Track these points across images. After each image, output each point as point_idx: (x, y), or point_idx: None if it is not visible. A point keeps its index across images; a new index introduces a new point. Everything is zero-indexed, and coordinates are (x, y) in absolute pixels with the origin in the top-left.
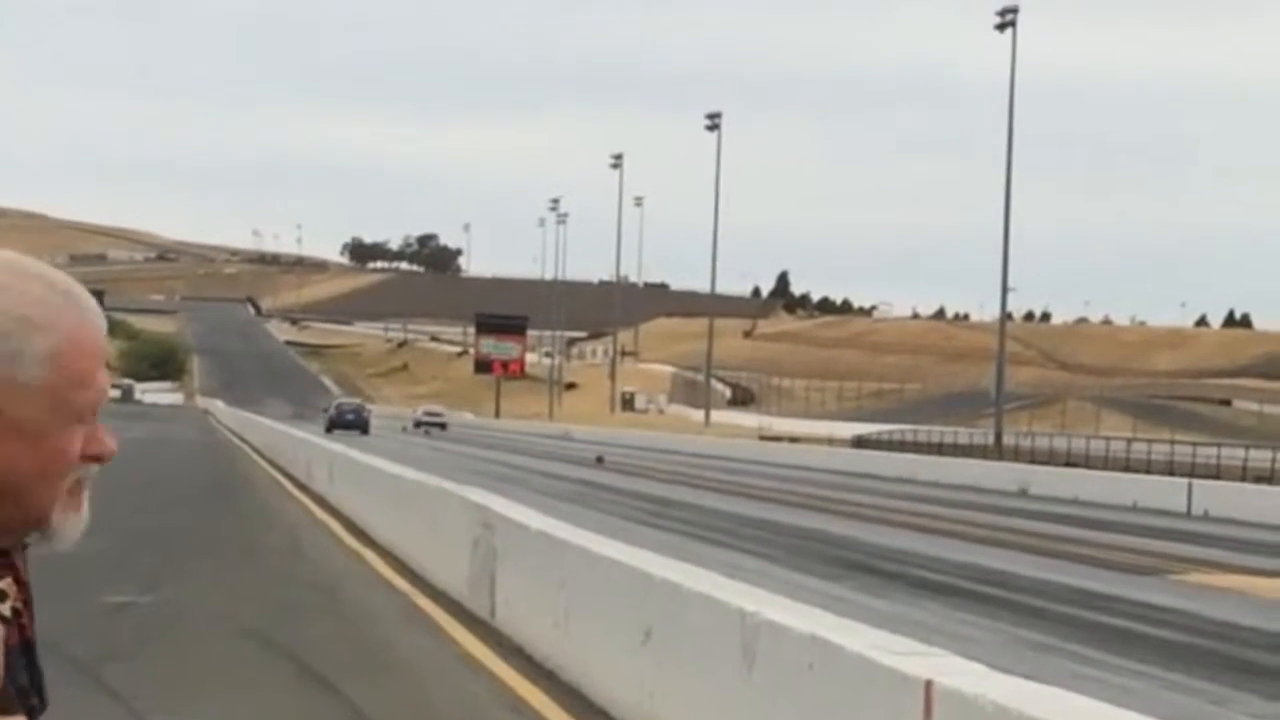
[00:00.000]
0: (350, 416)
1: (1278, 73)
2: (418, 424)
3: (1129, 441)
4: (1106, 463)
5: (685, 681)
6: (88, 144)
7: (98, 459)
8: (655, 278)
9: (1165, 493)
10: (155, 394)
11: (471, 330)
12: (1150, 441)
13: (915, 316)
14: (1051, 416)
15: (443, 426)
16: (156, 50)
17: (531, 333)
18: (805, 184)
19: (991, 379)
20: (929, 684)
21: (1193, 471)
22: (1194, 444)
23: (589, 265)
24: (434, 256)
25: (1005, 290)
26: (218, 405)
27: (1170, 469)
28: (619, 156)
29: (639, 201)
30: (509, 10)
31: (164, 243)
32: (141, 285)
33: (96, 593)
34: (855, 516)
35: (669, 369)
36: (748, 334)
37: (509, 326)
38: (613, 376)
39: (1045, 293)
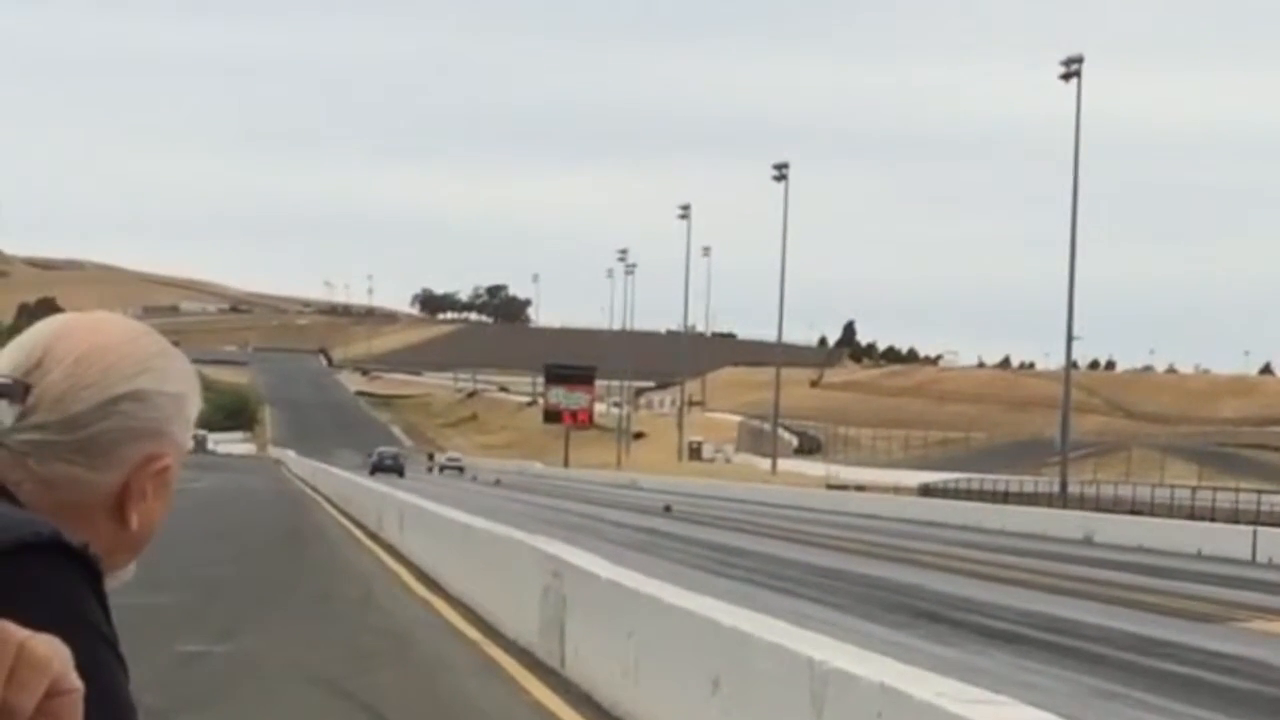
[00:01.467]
0: (389, 462)
1: None
2: (442, 468)
3: (1194, 489)
4: (1171, 510)
5: None
6: (160, 197)
7: None
8: (722, 327)
9: (1230, 540)
10: (228, 444)
11: (540, 380)
12: (1215, 489)
13: (981, 365)
14: (1116, 464)
15: (460, 470)
16: (229, 102)
17: (600, 383)
18: (871, 234)
19: (1056, 427)
20: None
21: (1257, 519)
22: (1259, 492)
23: (656, 315)
24: (503, 307)
25: (1070, 338)
26: (290, 455)
27: (1235, 517)
28: (686, 207)
29: (706, 252)
30: (578, 62)
31: (236, 294)
32: (214, 336)
33: (171, 642)
34: (921, 565)
35: (736, 418)
36: (814, 383)
37: (577, 376)
38: (680, 426)
39: (1110, 341)
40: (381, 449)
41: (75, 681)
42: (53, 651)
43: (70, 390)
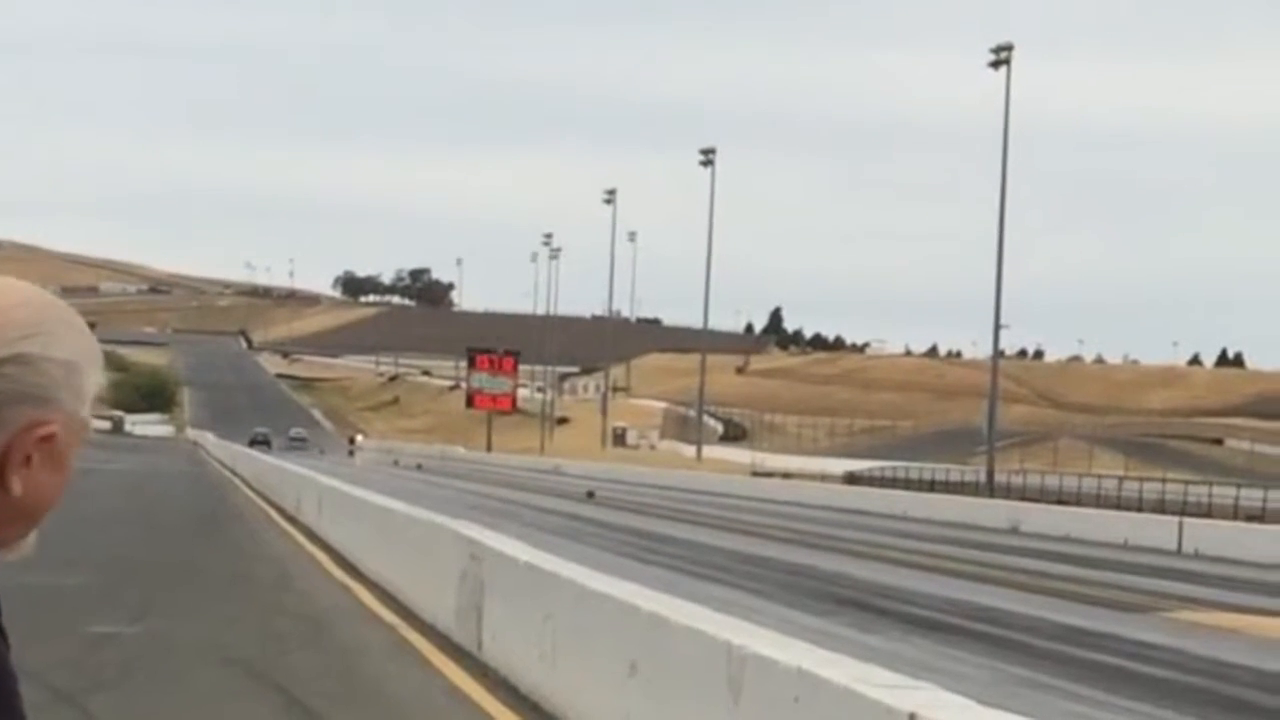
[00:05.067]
0: (260, 438)
1: (1269, 113)
2: (252, 442)
3: (1121, 480)
4: (1098, 501)
5: (671, 714)
6: (81, 177)
7: None
8: (648, 313)
9: (1156, 531)
10: (145, 426)
11: (463, 364)
12: (1142, 480)
13: (908, 354)
14: (1043, 454)
15: (304, 442)
16: (150, 85)
17: (523, 367)
18: (799, 221)
19: (984, 416)
20: (913, 717)
21: (1184, 510)
22: (1186, 482)
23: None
24: (426, 290)
25: (998, 327)
26: (208, 437)
27: (1161, 507)
28: (612, 192)
29: (632, 237)
30: (504, 45)
31: (156, 275)
32: (133, 317)
33: (83, 623)
34: (847, 553)
35: (661, 404)
36: (740, 370)
37: (500, 361)
38: (604, 412)
39: (1038, 331)
40: (257, 429)
41: None
42: None
43: None
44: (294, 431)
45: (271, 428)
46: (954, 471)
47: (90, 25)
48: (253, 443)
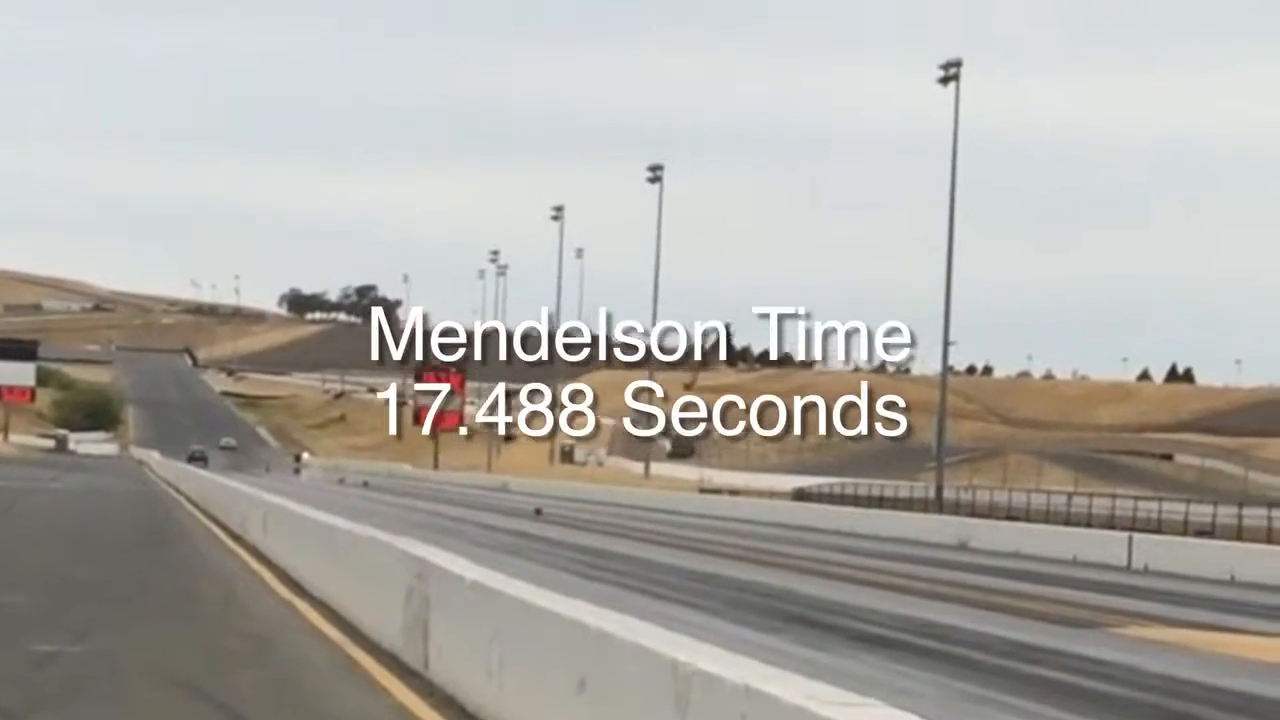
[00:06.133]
0: (197, 453)
1: (1215, 129)
2: (189, 459)
3: (1070, 496)
4: (1047, 517)
5: None
6: (23, 194)
7: None
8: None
9: (1105, 547)
10: (90, 444)
11: (411, 381)
12: (1091, 495)
13: (857, 370)
14: (993, 470)
15: (205, 462)
16: (94, 98)
17: (470, 384)
18: (747, 236)
19: (932, 432)
20: None
21: (1133, 526)
22: (1135, 498)
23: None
24: (372, 307)
25: (947, 343)
26: (153, 456)
27: (1111, 523)
28: (560, 208)
29: (580, 253)
30: (450, 60)
31: (100, 293)
32: (77, 335)
33: (25, 642)
34: (795, 569)
35: (609, 421)
36: (688, 386)
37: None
38: (552, 429)
39: (987, 346)
40: (193, 446)
41: None
42: None
43: None
44: (224, 441)
45: (210, 444)
46: (903, 488)
47: (29, 39)
48: (190, 459)
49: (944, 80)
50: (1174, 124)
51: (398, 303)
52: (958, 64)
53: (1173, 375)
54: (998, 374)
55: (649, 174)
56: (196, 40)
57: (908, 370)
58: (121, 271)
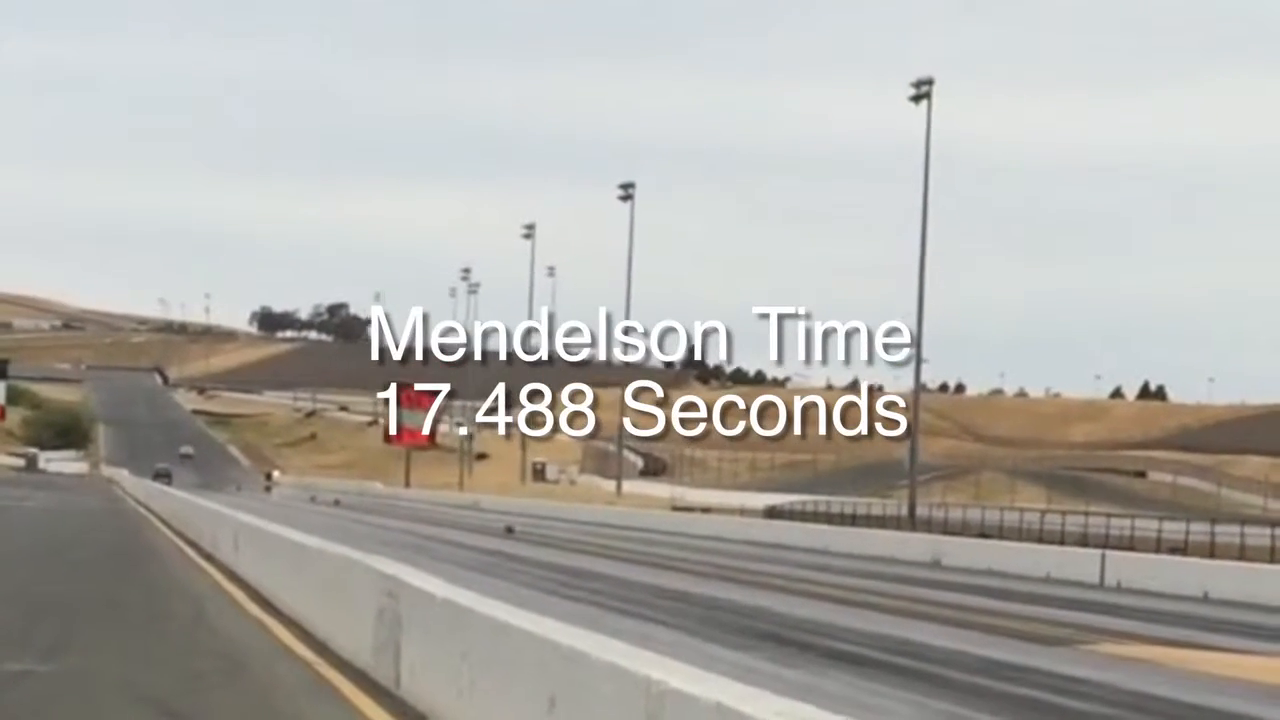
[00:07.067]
0: (161, 470)
1: (1189, 145)
2: (155, 475)
3: (1043, 513)
4: (1020, 534)
5: None
6: None
7: None
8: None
9: (1079, 564)
10: (60, 463)
11: (381, 399)
12: (1064, 513)
13: (829, 387)
14: (966, 488)
15: (190, 458)
16: (63, 115)
17: (456, 403)
18: (719, 255)
19: (905, 450)
20: None
21: (1106, 543)
22: (1108, 515)
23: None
24: (344, 326)
25: (919, 361)
26: (123, 474)
27: (1084, 540)
28: (531, 226)
29: (551, 272)
30: (419, 78)
31: (70, 311)
32: (47, 354)
33: None
34: (767, 587)
35: (581, 439)
36: (660, 404)
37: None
38: (524, 447)
39: (960, 364)
40: (157, 464)
41: None
42: None
43: None
44: (183, 449)
45: (172, 460)
46: (875, 505)
47: (3, 56)
48: (156, 476)
49: (916, 99)
50: (1148, 142)
51: (369, 321)
52: (929, 82)
53: (1145, 393)
54: (970, 391)
55: (620, 192)
56: (166, 60)
57: (881, 388)
58: (91, 290)
